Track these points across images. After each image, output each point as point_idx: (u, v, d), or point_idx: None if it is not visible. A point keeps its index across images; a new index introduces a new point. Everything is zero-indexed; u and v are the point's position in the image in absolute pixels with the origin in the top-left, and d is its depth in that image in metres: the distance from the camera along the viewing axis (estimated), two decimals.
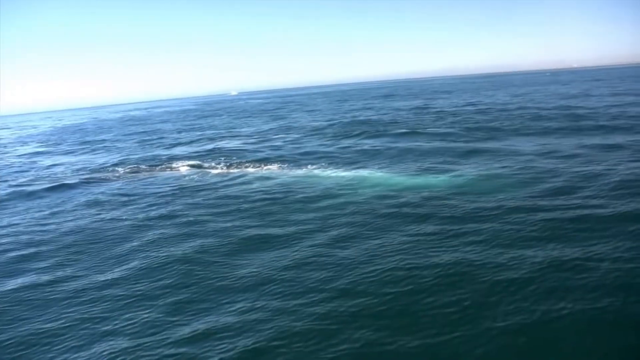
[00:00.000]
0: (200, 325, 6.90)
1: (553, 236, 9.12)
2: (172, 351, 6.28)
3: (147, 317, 7.29)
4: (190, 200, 14.60)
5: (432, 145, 22.43)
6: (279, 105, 79.52)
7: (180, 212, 13.22)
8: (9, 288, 8.97)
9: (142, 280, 8.73)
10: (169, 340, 6.54)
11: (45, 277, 9.32)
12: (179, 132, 41.89)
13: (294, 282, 8.07)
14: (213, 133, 38.24)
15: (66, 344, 6.81)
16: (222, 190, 15.83)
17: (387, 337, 6.22)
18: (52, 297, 8.43)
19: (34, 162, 29.38)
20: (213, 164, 21.54)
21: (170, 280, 8.60)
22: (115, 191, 16.91)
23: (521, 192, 12.45)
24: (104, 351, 6.47)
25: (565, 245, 8.66)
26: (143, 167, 22.48)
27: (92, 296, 8.29)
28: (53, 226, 12.96)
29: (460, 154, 19.40)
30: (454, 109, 42.24)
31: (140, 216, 13.16)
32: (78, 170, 23.56)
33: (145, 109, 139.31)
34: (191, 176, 18.96)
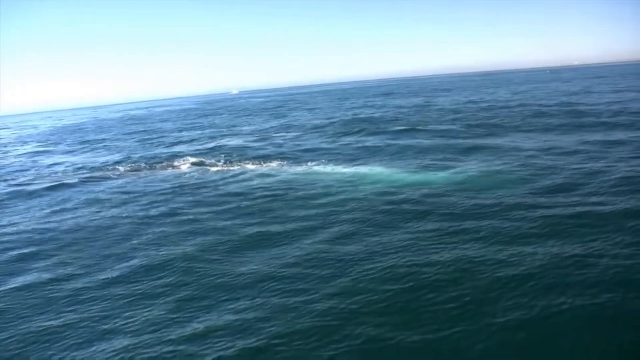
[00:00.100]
0: (201, 323, 6.90)
1: (553, 233, 9.11)
2: (173, 349, 6.27)
3: (147, 315, 7.30)
4: (190, 198, 14.61)
5: (433, 142, 22.42)
6: (279, 104, 79.49)
7: (180, 210, 13.23)
8: (10, 287, 8.97)
9: (142, 279, 8.73)
10: (170, 338, 6.54)
11: (45, 276, 9.32)
12: (180, 131, 41.88)
13: (294, 279, 8.06)
14: (214, 131, 38.23)
15: (67, 342, 6.81)
16: (222, 187, 15.84)
17: (388, 333, 6.22)
18: (52, 295, 8.43)
19: (34, 161, 29.38)
20: (214, 162, 21.55)
21: (171, 278, 8.60)
22: (116, 189, 16.92)
23: (521, 188, 12.44)
24: (105, 349, 6.47)
25: (565, 241, 8.65)
26: (143, 165, 22.48)
27: (92, 294, 8.29)
28: (54, 224, 12.97)
29: (460, 150, 19.38)
30: (454, 106, 42.20)
31: (141, 214, 13.16)
32: (78, 169, 23.56)
33: (146, 108, 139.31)
34: (192, 174, 18.96)
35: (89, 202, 15.27)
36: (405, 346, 5.95)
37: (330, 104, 66.14)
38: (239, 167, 19.84)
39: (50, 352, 6.60)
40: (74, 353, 6.51)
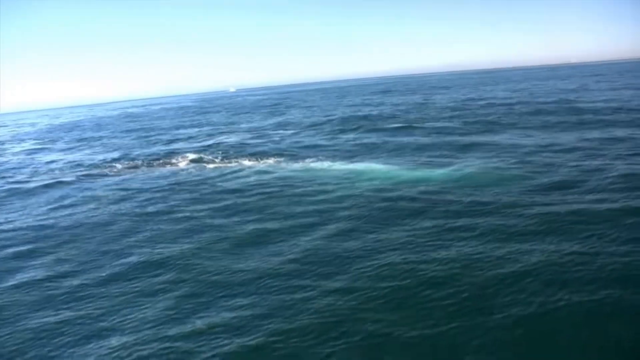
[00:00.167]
0: (199, 320, 6.89)
1: (550, 230, 9.11)
2: (172, 346, 6.26)
3: (145, 312, 7.28)
4: (188, 195, 14.58)
5: (431, 139, 22.42)
6: (277, 102, 79.41)
7: (178, 207, 13.21)
8: (8, 284, 8.95)
9: (140, 276, 8.71)
10: (168, 335, 6.52)
11: (43, 273, 9.30)
12: (177, 129, 41.79)
13: (292, 276, 8.06)
14: (211, 129, 38.17)
15: (64, 339, 6.80)
16: (220, 184, 15.82)
17: (386, 329, 6.22)
18: (50, 292, 8.41)
19: (32, 159, 29.28)
20: (211, 159, 21.53)
21: (169, 276, 8.58)
22: (113, 187, 16.88)
23: (519, 185, 12.44)
24: (103, 346, 6.46)
25: (563, 239, 8.65)
26: (141, 162, 22.43)
27: (90, 292, 8.28)
28: (51, 222, 12.94)
29: (458, 147, 19.39)
30: (452, 103, 42.20)
31: (139, 211, 13.13)
32: (76, 166, 23.48)
33: (144, 106, 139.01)
34: (189, 171, 18.94)
35: (87, 200, 15.23)
36: (403, 342, 5.95)
37: (328, 101, 66.08)
38: (236, 164, 19.82)
39: (48, 350, 6.59)
40: (72, 350, 6.50)
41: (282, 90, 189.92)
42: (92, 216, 13.14)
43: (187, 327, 6.69)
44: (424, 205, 11.31)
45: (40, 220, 13.32)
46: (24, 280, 9.08)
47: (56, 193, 16.84)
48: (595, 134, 20.07)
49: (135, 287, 8.28)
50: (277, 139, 27.35)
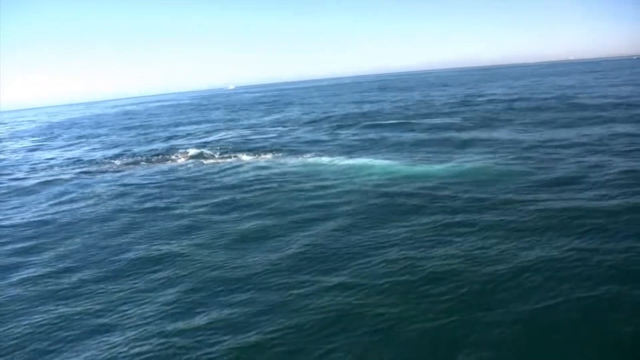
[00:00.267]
0: (198, 316, 6.86)
1: (550, 226, 9.08)
2: (171, 342, 6.23)
3: (144, 309, 7.25)
4: (187, 191, 14.57)
5: (430, 135, 22.42)
6: (276, 99, 79.35)
7: (177, 203, 13.19)
8: (6, 281, 8.92)
9: (139, 272, 8.69)
10: (167, 332, 6.50)
11: (41, 270, 9.27)
12: (176, 126, 41.74)
13: (291, 272, 8.03)
14: (210, 126, 38.14)
15: (63, 335, 6.78)
16: (219, 180, 15.81)
17: (385, 325, 6.21)
18: (48, 289, 8.39)
19: (30, 156, 29.24)
20: (210, 155, 21.51)
21: (168, 272, 8.55)
22: (112, 183, 16.85)
23: (519, 181, 12.42)
24: (101, 342, 6.45)
25: (562, 235, 8.62)
26: (140, 159, 22.40)
27: (89, 288, 8.25)
28: (50, 219, 12.90)
29: (458, 143, 19.38)
30: (451, 100, 42.18)
31: (138, 208, 13.11)
32: (75, 163, 23.45)
33: (142, 103, 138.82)
34: (188, 167, 18.92)
35: (86, 196, 15.20)
36: (404, 337, 5.94)
37: (326, 98, 66.06)
38: (235, 159, 19.80)
39: (47, 345, 6.57)
40: (71, 345, 6.49)
41: (281, 87, 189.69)
42: (92, 212, 13.11)
43: (187, 323, 6.67)
44: (423, 201, 11.30)
45: (40, 216, 13.29)
46: (24, 276, 9.06)
47: (55, 190, 16.81)
48: (596, 129, 20.06)
49: (135, 283, 8.26)
50: (276, 135, 27.32)
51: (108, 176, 18.53)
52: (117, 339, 6.46)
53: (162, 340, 6.29)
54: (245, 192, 13.81)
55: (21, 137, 46.89)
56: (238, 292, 7.53)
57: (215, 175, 16.64)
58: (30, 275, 9.08)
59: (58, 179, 18.65)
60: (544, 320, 6.03)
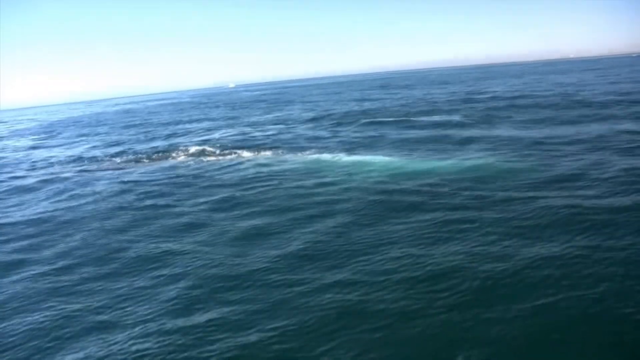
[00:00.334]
0: (198, 314, 6.83)
1: (550, 224, 9.02)
2: (171, 341, 6.20)
3: (144, 307, 7.22)
4: (187, 189, 14.55)
5: (431, 132, 22.39)
6: (276, 97, 79.32)
7: (177, 201, 13.18)
8: (6, 279, 8.90)
9: (140, 270, 8.67)
10: (167, 330, 6.47)
11: (42, 267, 9.26)
12: (177, 124, 41.74)
13: (292, 270, 8.00)
14: (211, 123, 38.13)
15: (63, 332, 6.77)
16: (219, 177, 15.79)
17: (387, 322, 6.19)
18: (48, 286, 8.38)
19: (31, 154, 29.24)
20: (211, 152, 21.50)
21: (168, 269, 8.53)
22: (113, 181, 16.83)
23: (519, 179, 12.36)
24: (102, 339, 6.43)
25: (562, 232, 8.56)
26: (140, 157, 22.40)
27: (89, 285, 8.23)
28: (50, 216, 12.91)
29: (458, 141, 19.34)
30: (452, 98, 42.13)
31: (138, 205, 13.09)
32: (75, 161, 23.45)
33: (143, 102, 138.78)
34: (189, 164, 18.91)
35: (86, 194, 15.18)
36: (405, 335, 5.92)
37: (327, 96, 66.02)
38: (236, 156, 19.80)
39: (47, 343, 6.55)
40: (72, 343, 6.47)
41: (281, 85, 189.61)
42: (92, 210, 13.10)
43: (187, 320, 6.64)
44: (424, 198, 11.26)
45: (40, 214, 13.29)
46: (24, 273, 9.05)
47: (56, 187, 16.80)
48: (597, 126, 20.01)
49: (135, 280, 8.24)
50: (277, 132, 27.30)
51: (108, 174, 18.52)
52: (117, 336, 6.44)
53: (162, 338, 6.26)
54: (246, 189, 13.79)
55: (22, 135, 46.90)
56: (239, 289, 7.50)
57: (216, 173, 16.62)
58: (30, 272, 9.07)
59: (58, 177, 18.65)
60: (544, 318, 5.99)
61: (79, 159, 24.23)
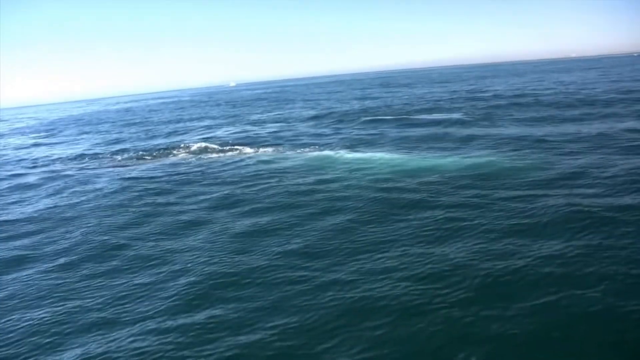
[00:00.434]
0: (199, 313, 6.81)
1: (551, 222, 8.97)
2: (171, 339, 6.18)
3: (145, 305, 7.20)
4: (188, 187, 14.53)
5: (432, 130, 22.34)
6: (277, 95, 79.32)
7: (178, 199, 13.17)
8: (8, 276, 8.91)
9: (141, 268, 8.65)
10: (168, 328, 6.45)
11: (43, 265, 9.26)
12: (178, 122, 41.76)
13: (294, 269, 7.97)
14: (212, 122, 38.14)
15: (63, 330, 6.76)
16: (220, 175, 15.78)
17: (390, 321, 6.17)
18: (49, 283, 8.37)
19: (32, 152, 29.27)
20: (212, 150, 21.50)
21: (169, 267, 8.51)
22: (113, 179, 16.84)
23: (520, 177, 12.32)
24: (102, 338, 6.41)
25: (564, 231, 8.52)
26: (141, 154, 22.40)
27: (89, 283, 8.22)
28: (51, 214, 12.91)
29: (460, 139, 19.30)
30: (454, 96, 42.08)
31: (139, 203, 13.09)
32: (76, 159, 23.46)
33: (144, 100, 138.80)
34: (190, 162, 18.90)
35: (87, 192, 15.18)
36: (406, 333, 5.90)
37: (327, 95, 65.96)
38: (237, 154, 19.79)
39: (46, 341, 6.54)
40: (72, 341, 6.45)
41: (282, 84, 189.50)
42: (93, 207, 13.10)
43: (187, 318, 6.62)
44: (425, 195, 11.23)
45: (41, 211, 13.29)
46: (25, 270, 9.05)
47: (57, 185, 16.81)
48: (599, 125, 19.94)
49: (135, 277, 8.23)
50: (278, 130, 27.30)
51: (109, 171, 18.53)
52: (117, 333, 6.43)
53: (162, 335, 6.25)
54: (247, 186, 13.78)
55: (22, 133, 46.92)
56: (239, 286, 7.49)
57: (217, 170, 16.62)
58: (31, 269, 9.08)
59: (59, 174, 18.66)
60: (545, 316, 5.96)
61: (79, 156, 24.23)
